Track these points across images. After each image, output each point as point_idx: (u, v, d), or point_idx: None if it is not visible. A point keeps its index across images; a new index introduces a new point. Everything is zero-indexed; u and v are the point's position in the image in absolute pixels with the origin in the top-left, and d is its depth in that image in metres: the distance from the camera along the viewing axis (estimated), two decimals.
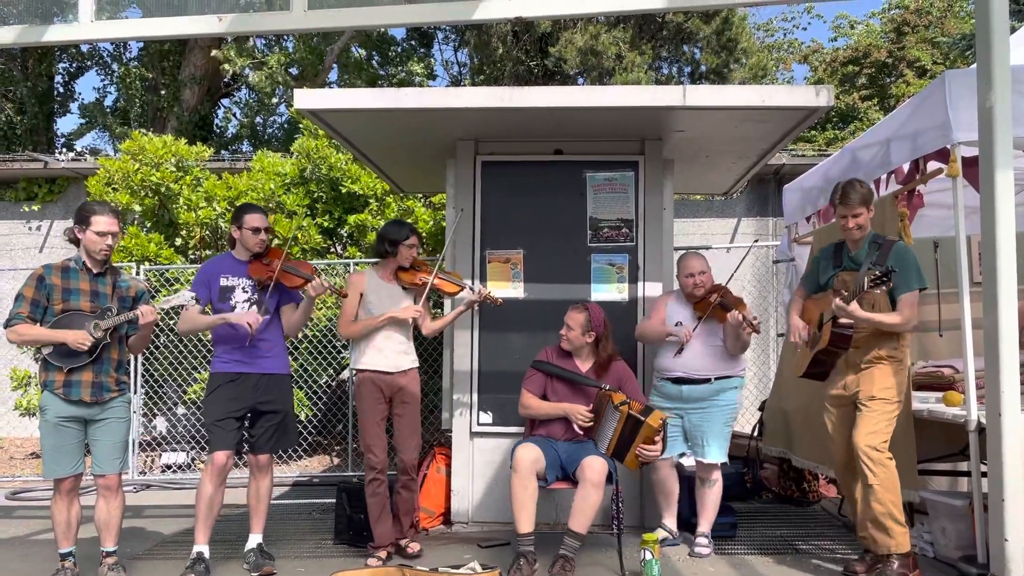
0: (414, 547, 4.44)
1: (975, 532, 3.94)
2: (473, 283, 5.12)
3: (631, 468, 4.22)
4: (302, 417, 7.48)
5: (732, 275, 4.69)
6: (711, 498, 4.63)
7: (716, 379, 4.58)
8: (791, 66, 19.98)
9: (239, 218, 4.35)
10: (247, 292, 4.29)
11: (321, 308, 7.49)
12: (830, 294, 4.04)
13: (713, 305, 4.52)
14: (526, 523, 4.08)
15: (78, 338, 3.85)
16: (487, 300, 4.55)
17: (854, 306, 3.73)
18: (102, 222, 3.94)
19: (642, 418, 4.05)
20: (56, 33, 3.91)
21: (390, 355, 4.45)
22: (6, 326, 3.92)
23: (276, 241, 7.39)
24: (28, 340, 3.95)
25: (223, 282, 4.29)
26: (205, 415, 4.31)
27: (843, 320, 3.86)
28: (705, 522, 4.61)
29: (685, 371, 4.61)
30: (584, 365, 4.47)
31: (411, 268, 4.54)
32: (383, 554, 4.37)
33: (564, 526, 4.15)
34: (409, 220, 7.93)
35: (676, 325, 4.64)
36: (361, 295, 4.51)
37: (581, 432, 4.32)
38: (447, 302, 5.37)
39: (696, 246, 7.68)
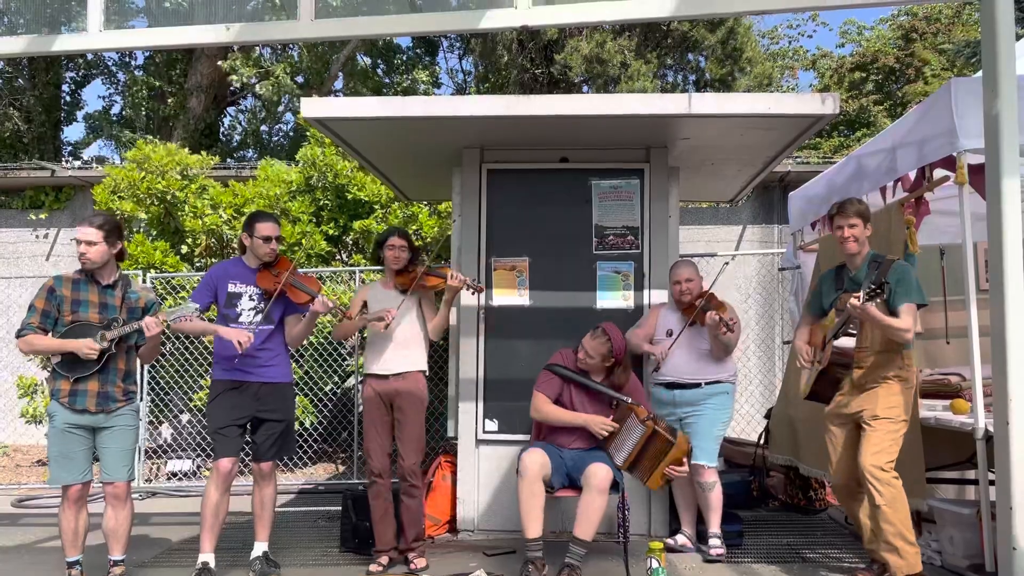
0: (420, 562, 4.41)
1: (983, 541, 3.93)
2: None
3: (653, 487, 4.24)
4: (307, 424, 7.49)
5: (713, 282, 4.73)
6: (713, 501, 4.64)
7: (707, 384, 4.63)
8: (797, 73, 19.99)
9: (251, 226, 4.36)
10: (254, 300, 4.31)
11: (326, 315, 7.49)
12: (832, 316, 4.04)
13: (697, 310, 4.57)
14: (534, 528, 4.07)
15: (85, 348, 3.89)
16: (468, 287, 4.51)
17: (870, 307, 3.67)
18: (79, 231, 3.99)
19: (671, 438, 4.07)
20: (65, 43, 3.93)
21: (385, 358, 4.48)
22: (17, 336, 3.97)
23: (281, 248, 7.41)
24: (38, 350, 4.01)
25: (231, 288, 4.30)
26: (208, 423, 4.33)
27: (842, 342, 3.86)
28: (714, 522, 4.62)
29: (676, 376, 4.67)
30: (597, 377, 4.47)
31: (405, 271, 4.55)
32: (385, 560, 4.37)
33: (570, 534, 4.14)
34: (413, 227, 7.95)
35: (667, 334, 4.72)
36: (365, 304, 4.58)
37: (600, 439, 4.31)
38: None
39: (701, 253, 7.71)
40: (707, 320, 4.48)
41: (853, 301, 3.68)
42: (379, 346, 4.51)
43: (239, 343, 4.13)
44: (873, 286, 3.61)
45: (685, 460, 4.14)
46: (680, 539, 4.74)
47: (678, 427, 4.66)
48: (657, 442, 4.08)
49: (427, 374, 4.60)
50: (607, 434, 4.26)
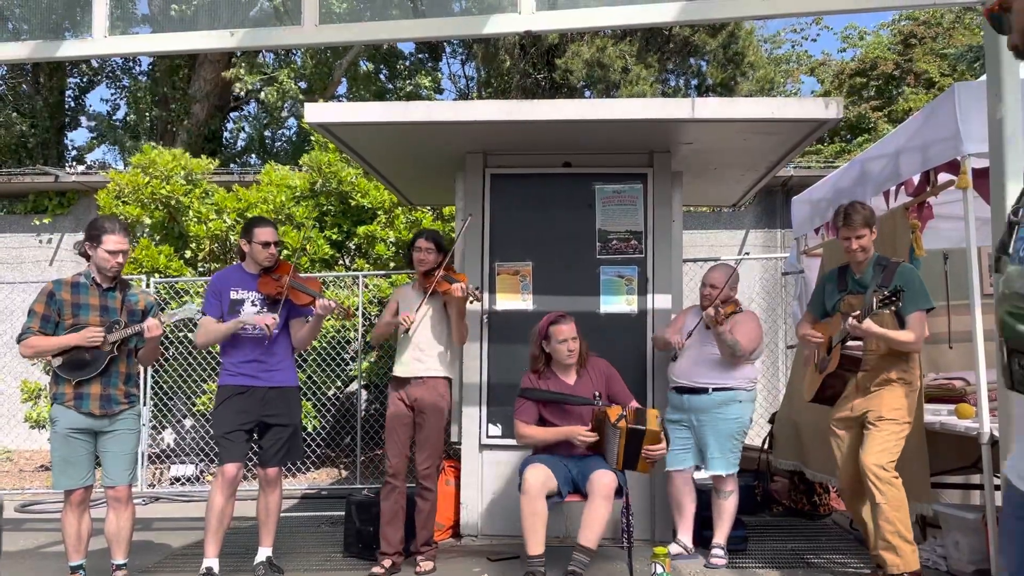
0: (426, 566, 4.42)
1: (988, 546, 3.92)
2: (482, 294, 5.14)
3: (645, 472, 4.19)
4: (309, 428, 7.49)
5: (727, 282, 4.68)
6: (726, 510, 4.60)
7: (714, 390, 4.59)
8: (799, 78, 20.00)
9: (249, 231, 4.38)
10: (256, 306, 4.32)
11: (329, 319, 7.50)
12: (837, 318, 4.03)
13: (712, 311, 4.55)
14: (536, 545, 4.03)
15: (89, 334, 3.89)
16: (470, 295, 4.47)
17: (868, 323, 3.72)
18: (113, 240, 3.97)
19: (641, 427, 4.02)
20: (70, 48, 3.95)
21: (404, 361, 4.52)
22: (18, 341, 3.97)
23: (286, 252, 7.43)
24: (40, 350, 3.98)
25: (233, 295, 4.32)
26: (214, 428, 4.33)
27: (852, 343, 3.86)
28: (720, 534, 4.59)
29: (684, 379, 4.66)
30: (569, 376, 4.40)
31: (430, 273, 4.54)
32: (387, 562, 4.37)
33: (574, 540, 4.12)
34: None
35: (688, 335, 4.71)
36: (398, 305, 4.64)
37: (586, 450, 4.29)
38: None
39: (704, 258, 7.70)
40: (703, 317, 4.50)
41: (852, 321, 3.71)
42: (401, 349, 4.56)
43: (267, 325, 4.19)
44: (888, 295, 3.60)
45: (662, 437, 4.06)
46: (674, 548, 4.62)
47: (691, 433, 4.65)
48: (634, 436, 4.04)
49: (451, 380, 4.60)
50: (589, 442, 4.21)
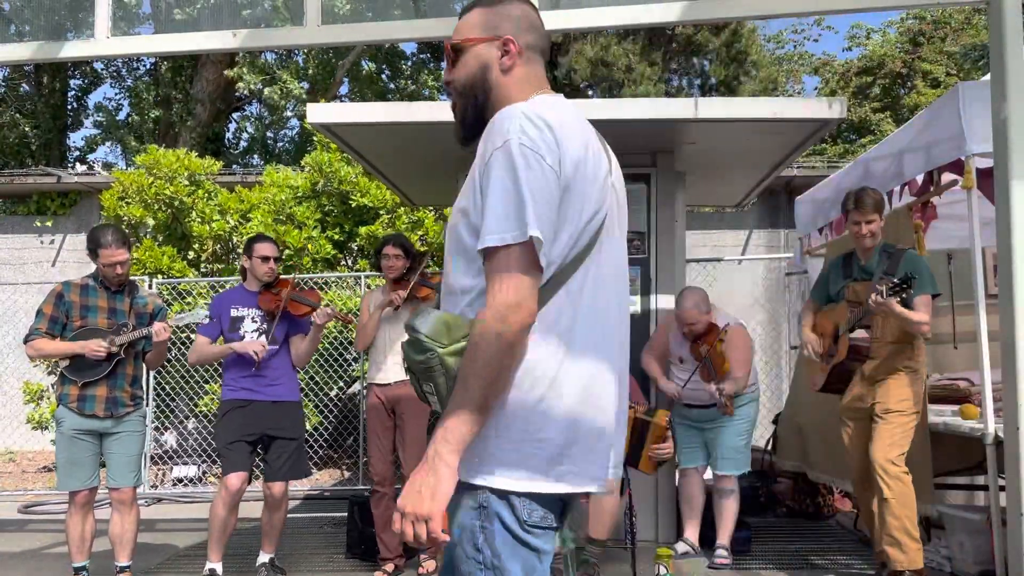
0: (429, 566, 4.41)
1: (993, 547, 3.91)
2: None
3: (647, 471, 4.17)
4: (309, 427, 7.48)
5: (700, 311, 4.60)
6: (729, 509, 4.60)
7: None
8: (801, 78, 19.97)
9: (249, 247, 4.41)
10: (256, 322, 4.33)
11: (331, 321, 7.49)
12: (843, 305, 4.03)
13: (702, 360, 4.49)
14: None
15: (93, 346, 3.88)
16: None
17: (891, 302, 3.68)
18: (106, 255, 3.97)
19: (648, 419, 4.00)
20: (73, 49, 3.94)
21: (387, 366, 4.48)
22: (25, 342, 3.98)
23: (288, 252, 7.43)
24: (46, 354, 4.01)
25: (233, 312, 4.33)
26: (216, 440, 4.35)
27: (858, 333, 3.86)
28: (724, 533, 4.59)
29: (690, 399, 4.66)
30: None
31: (402, 279, 4.51)
32: (390, 567, 4.36)
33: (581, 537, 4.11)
34: (419, 232, 7.95)
35: (679, 360, 4.67)
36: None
37: None
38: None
39: (707, 258, 7.69)
40: (707, 389, 4.45)
41: (876, 297, 3.69)
42: (380, 356, 4.52)
43: (255, 353, 4.18)
44: (897, 281, 3.62)
45: (669, 436, 4.04)
46: (680, 547, 4.66)
47: (700, 440, 4.66)
48: (640, 427, 4.02)
49: None
50: None
